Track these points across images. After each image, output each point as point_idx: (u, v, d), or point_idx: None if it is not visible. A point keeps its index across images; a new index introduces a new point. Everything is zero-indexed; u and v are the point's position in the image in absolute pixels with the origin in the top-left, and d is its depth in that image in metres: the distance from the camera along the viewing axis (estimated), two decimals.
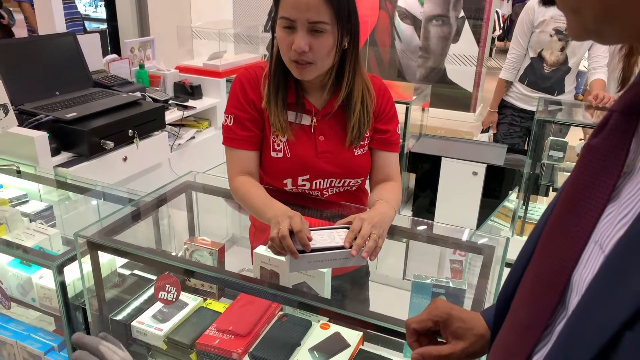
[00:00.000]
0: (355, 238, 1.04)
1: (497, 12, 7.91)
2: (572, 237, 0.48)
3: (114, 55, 2.95)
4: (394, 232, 1.26)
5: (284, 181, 1.32)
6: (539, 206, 2.93)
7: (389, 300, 1.40)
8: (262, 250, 1.23)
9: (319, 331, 1.27)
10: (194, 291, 1.43)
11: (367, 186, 1.42)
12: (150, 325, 1.29)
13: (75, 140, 2.08)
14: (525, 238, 0.84)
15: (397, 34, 6.10)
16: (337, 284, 1.30)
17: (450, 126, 5.82)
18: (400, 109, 1.90)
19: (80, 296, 1.28)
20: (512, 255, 0.68)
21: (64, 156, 2.10)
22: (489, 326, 0.75)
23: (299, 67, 1.18)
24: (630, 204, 0.44)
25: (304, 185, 1.32)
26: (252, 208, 1.23)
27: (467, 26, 5.80)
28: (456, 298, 1.10)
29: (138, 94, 2.60)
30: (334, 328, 1.27)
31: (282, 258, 1.13)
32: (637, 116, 0.46)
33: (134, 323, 1.30)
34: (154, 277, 1.42)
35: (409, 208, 3.22)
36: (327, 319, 1.28)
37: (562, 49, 2.88)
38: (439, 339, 0.80)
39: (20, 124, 2.01)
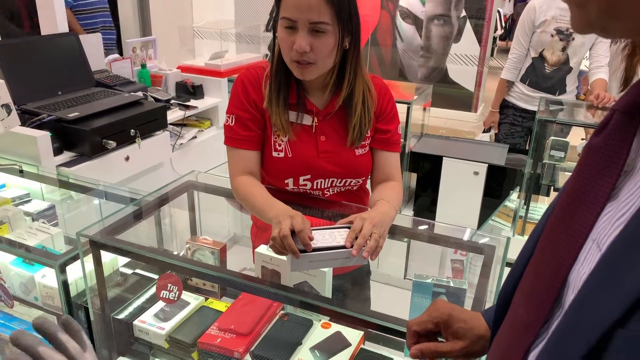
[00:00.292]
0: (357, 238, 1.04)
1: (498, 11, 7.90)
2: (571, 235, 0.48)
3: (116, 55, 2.96)
4: (395, 232, 1.27)
5: (286, 181, 1.33)
6: (540, 206, 2.93)
7: (390, 299, 1.40)
8: (263, 249, 1.24)
9: (320, 330, 1.27)
10: (195, 290, 1.43)
11: (368, 186, 1.43)
12: (152, 324, 1.29)
13: (78, 139, 2.09)
14: (526, 238, 0.85)
15: (399, 33, 6.10)
16: (338, 284, 1.31)
17: (452, 126, 5.82)
18: (401, 108, 1.90)
19: (82, 295, 1.29)
20: (513, 255, 0.68)
21: (66, 156, 2.11)
22: (489, 326, 0.76)
23: (300, 67, 1.18)
24: (628, 202, 0.44)
25: (305, 185, 1.33)
26: (254, 208, 1.23)
27: (468, 26, 5.79)
28: (457, 297, 1.10)
29: (140, 93, 2.60)
30: (335, 327, 1.28)
31: (284, 257, 1.13)
32: (639, 116, 0.46)
33: (136, 322, 1.30)
34: (155, 276, 1.43)
35: (410, 208, 3.22)
36: (328, 318, 1.29)
37: (563, 49, 2.88)
38: (440, 340, 0.81)
39: (23, 124, 2.01)
